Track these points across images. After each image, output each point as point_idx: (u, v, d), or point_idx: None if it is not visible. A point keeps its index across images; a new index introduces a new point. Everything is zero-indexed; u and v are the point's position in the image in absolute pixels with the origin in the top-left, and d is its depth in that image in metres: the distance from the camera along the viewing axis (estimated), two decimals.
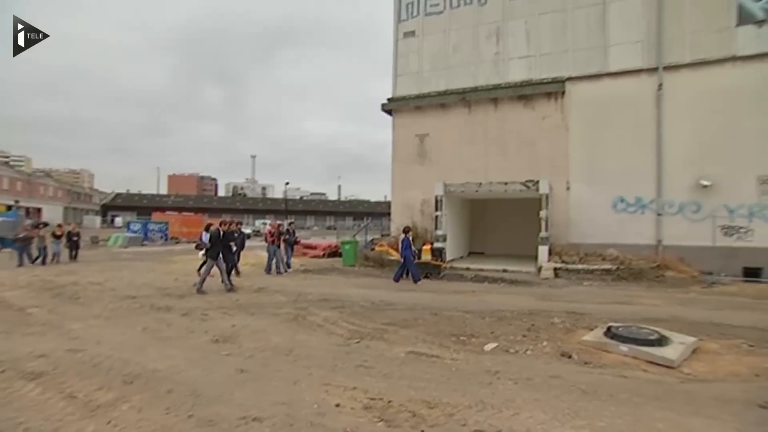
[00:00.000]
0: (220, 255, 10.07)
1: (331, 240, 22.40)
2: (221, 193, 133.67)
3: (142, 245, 26.56)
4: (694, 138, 13.76)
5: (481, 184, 14.96)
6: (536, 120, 15.71)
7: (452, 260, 15.25)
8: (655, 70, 14.21)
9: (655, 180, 14.16)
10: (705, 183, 13.49)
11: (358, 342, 5.83)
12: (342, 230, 28.91)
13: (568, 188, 15.11)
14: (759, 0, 13.28)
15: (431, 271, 12.80)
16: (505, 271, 13.44)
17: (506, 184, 14.47)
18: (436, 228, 15.15)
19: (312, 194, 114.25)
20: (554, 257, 13.60)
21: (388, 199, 18.82)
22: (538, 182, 13.90)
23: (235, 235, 11.81)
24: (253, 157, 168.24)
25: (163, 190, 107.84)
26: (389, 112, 18.26)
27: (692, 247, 13.39)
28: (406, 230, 12.40)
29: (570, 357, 5.20)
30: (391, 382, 4.31)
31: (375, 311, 7.80)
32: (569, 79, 15.30)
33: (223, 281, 10.05)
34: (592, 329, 6.24)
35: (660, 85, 14.11)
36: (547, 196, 13.85)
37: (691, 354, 5.27)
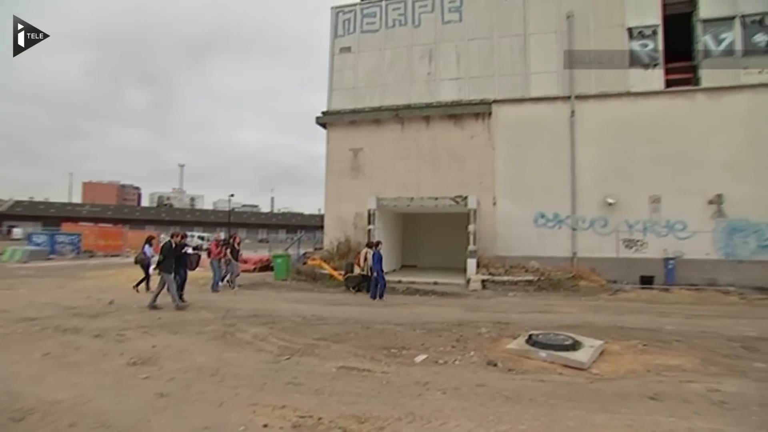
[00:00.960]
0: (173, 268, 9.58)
1: (263, 254, 21.74)
2: (145, 203, 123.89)
3: (48, 259, 23.82)
4: (601, 161, 15.32)
5: (413, 198, 15.43)
6: (465, 138, 16.56)
7: (385, 273, 15.45)
8: (568, 98, 15.68)
9: (570, 197, 15.48)
10: (610, 201, 15.02)
11: (289, 358, 5.71)
12: (275, 243, 28.25)
13: (494, 204, 16.02)
14: (645, 47, 15.31)
15: (363, 285, 12.89)
16: (435, 283, 13.89)
17: (437, 199, 15.06)
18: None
19: (244, 206, 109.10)
20: (482, 269, 14.29)
21: (323, 212, 18.69)
22: (466, 198, 14.63)
23: (189, 250, 11.10)
24: (182, 166, 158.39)
25: (77, 199, 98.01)
26: (324, 125, 18.28)
27: (601, 259, 14.80)
28: (376, 244, 12.20)
29: (495, 365, 5.47)
30: (321, 399, 4.28)
31: (306, 326, 7.69)
32: (495, 101, 16.36)
33: (173, 298, 9.44)
34: (515, 338, 6.59)
35: (572, 112, 15.58)
36: (475, 211, 14.62)
37: (599, 356, 5.79)
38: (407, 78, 17.52)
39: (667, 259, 14.37)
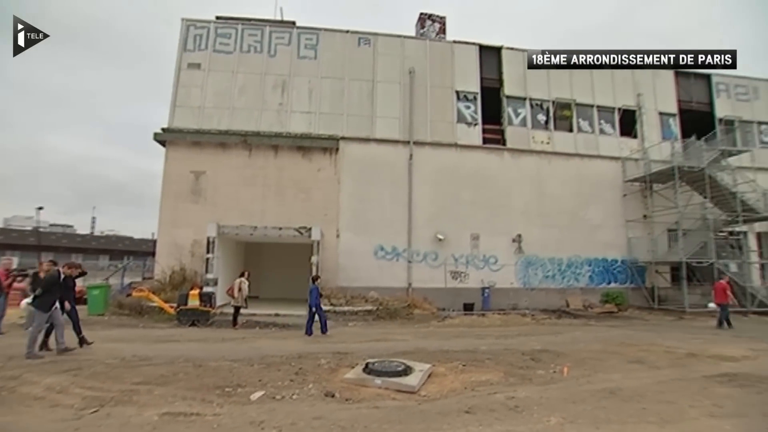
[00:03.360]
0: (57, 306, 7.77)
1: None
2: None
3: None
4: (433, 201, 17.36)
5: (256, 227, 14.95)
6: (313, 171, 16.94)
7: (223, 305, 14.45)
8: (408, 143, 17.50)
9: (407, 232, 17.00)
10: (440, 237, 17.01)
11: (96, 411, 4.81)
12: (94, 271, 23.74)
13: (338, 236, 16.57)
14: (468, 109, 18.36)
15: (199, 318, 11.84)
16: (277, 315, 13.53)
17: (281, 229, 14.90)
18: (207, 271, 14.24)
19: (52, 225, 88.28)
20: (324, 300, 14.44)
21: (156, 237, 16.63)
22: (311, 229, 14.83)
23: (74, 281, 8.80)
24: None
25: None
26: (163, 142, 16.57)
27: (432, 289, 16.53)
28: (315, 278, 11.67)
29: (333, 396, 5.49)
30: None
31: (125, 369, 6.62)
32: (343, 138, 17.24)
33: (57, 339, 7.55)
34: (353, 367, 6.76)
35: (411, 156, 17.41)
36: (318, 243, 14.87)
37: (427, 378, 6.33)
38: (258, 105, 17.26)
39: (483, 288, 16.84)
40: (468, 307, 16.41)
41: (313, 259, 14.70)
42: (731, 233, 18.57)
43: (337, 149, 17.14)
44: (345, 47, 18.02)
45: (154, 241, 17.24)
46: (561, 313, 16.08)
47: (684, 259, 16.43)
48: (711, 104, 20.80)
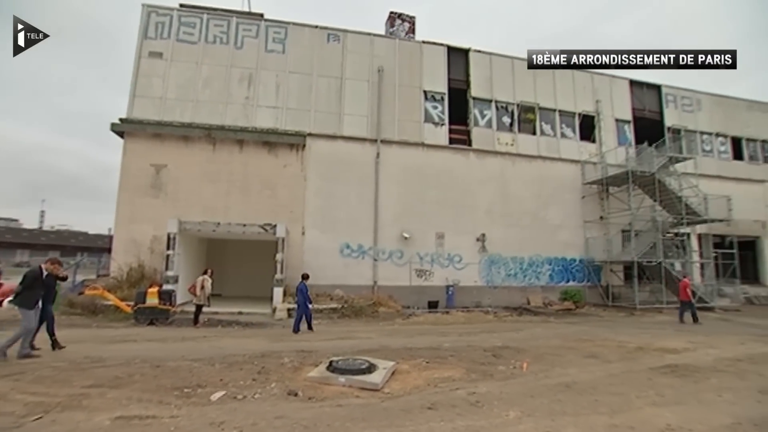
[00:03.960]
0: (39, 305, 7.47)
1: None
2: None
3: None
4: (399, 199, 17.49)
5: (219, 223, 14.59)
6: (279, 167, 16.69)
7: (184, 303, 14.04)
8: (375, 141, 17.54)
9: (373, 230, 17.05)
10: (406, 235, 17.17)
11: (41, 417, 4.53)
12: None
13: (303, 233, 16.43)
14: (436, 109, 18.63)
15: (158, 317, 11.46)
16: (240, 313, 13.29)
17: (245, 225, 14.61)
18: (167, 268, 13.76)
19: None
20: (289, 298, 14.32)
21: (113, 232, 15.89)
22: (275, 226, 14.61)
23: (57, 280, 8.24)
24: None
25: None
26: (121, 134, 15.84)
27: (398, 287, 16.68)
28: (304, 277, 11.42)
29: (296, 395, 5.45)
30: None
31: (74, 372, 6.29)
32: (310, 134, 17.07)
33: (24, 343, 7.16)
34: (317, 365, 6.74)
35: (378, 154, 17.46)
36: (283, 240, 14.68)
37: (391, 376, 6.41)
38: (223, 98, 16.81)
39: (448, 287, 17.15)
40: (432, 305, 16.68)
41: (278, 256, 14.50)
42: (676, 234, 19.73)
43: (304, 146, 16.96)
44: (314, 43, 17.83)
45: (111, 237, 16.51)
46: (522, 311, 16.63)
47: (635, 259, 17.34)
48: (661, 113, 22.02)
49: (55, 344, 7.91)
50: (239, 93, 16.98)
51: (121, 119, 15.84)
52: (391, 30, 20.31)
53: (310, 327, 11.11)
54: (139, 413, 4.69)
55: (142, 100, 16.15)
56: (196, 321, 11.61)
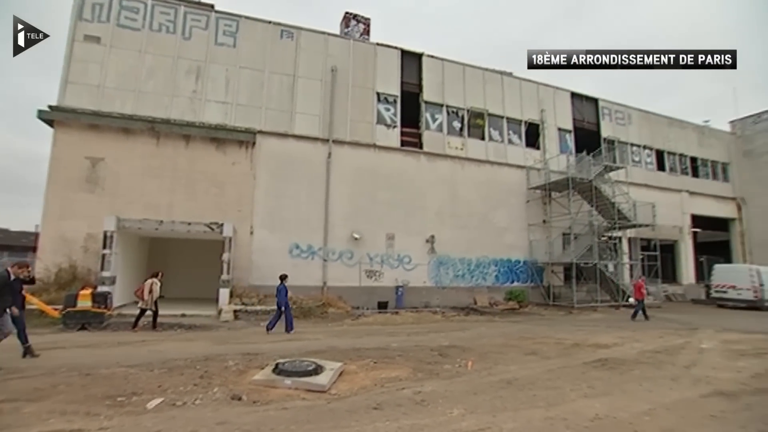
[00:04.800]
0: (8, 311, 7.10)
1: None
2: None
3: None
4: (350, 200, 17.49)
5: (162, 221, 13.90)
6: (227, 164, 16.16)
7: (122, 306, 13.26)
8: (327, 141, 17.43)
9: (323, 231, 16.93)
10: (356, 236, 17.20)
11: None
12: None
13: (251, 233, 16.01)
14: (388, 111, 18.82)
15: (90, 321, 10.72)
16: (183, 315, 12.76)
17: (190, 224, 14.02)
18: (102, 269, 12.93)
19: None
20: (235, 299, 13.92)
21: (40, 230, 14.64)
22: (222, 225, 14.14)
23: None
24: None
25: None
26: (51, 122, 14.62)
27: (347, 287, 16.67)
28: (282, 277, 11.41)
29: (240, 399, 5.31)
30: None
31: None
32: (260, 132, 16.66)
33: None
34: (263, 368, 6.59)
35: (329, 154, 17.37)
36: (230, 239, 14.24)
37: (338, 377, 6.40)
38: (169, 90, 16.00)
39: (397, 287, 17.37)
40: (382, 306, 16.83)
41: (225, 256, 14.04)
42: (610, 238, 21.20)
43: (254, 143, 16.52)
44: (266, 38, 17.42)
45: (37, 235, 15.23)
46: (469, 311, 17.17)
47: (574, 260, 18.43)
48: (598, 125, 23.60)
49: (27, 351, 7.39)
50: (186, 86, 16.24)
51: (50, 106, 14.58)
52: (346, 30, 20.27)
53: (289, 329, 11.07)
54: (62, 428, 4.28)
55: (76, 87, 15.00)
56: (135, 324, 10.99)
